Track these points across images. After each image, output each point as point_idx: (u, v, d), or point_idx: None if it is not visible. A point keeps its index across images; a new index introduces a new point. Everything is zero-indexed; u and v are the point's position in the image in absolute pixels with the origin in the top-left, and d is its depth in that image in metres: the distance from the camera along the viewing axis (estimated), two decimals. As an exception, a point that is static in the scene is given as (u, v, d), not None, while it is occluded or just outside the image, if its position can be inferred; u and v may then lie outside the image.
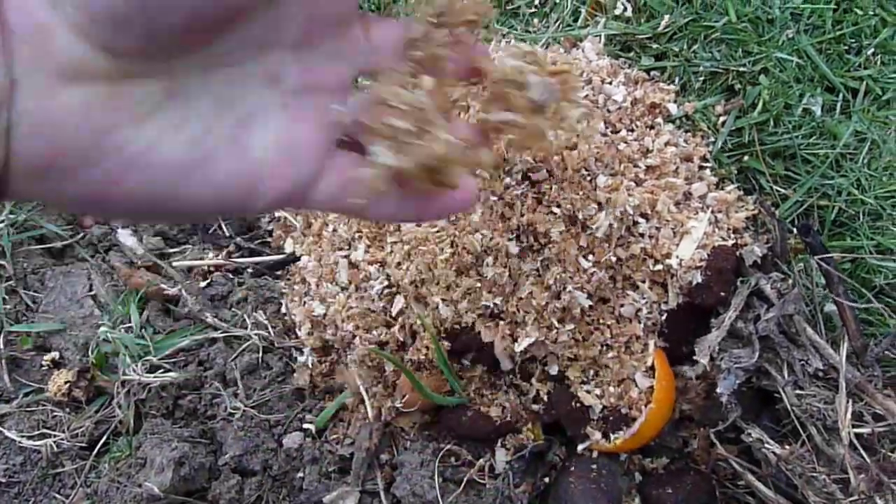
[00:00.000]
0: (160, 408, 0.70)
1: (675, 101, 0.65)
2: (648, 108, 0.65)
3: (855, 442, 0.50)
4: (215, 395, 0.69)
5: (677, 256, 0.60)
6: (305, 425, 0.68)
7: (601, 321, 0.62)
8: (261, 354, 0.71)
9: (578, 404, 0.62)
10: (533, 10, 0.80)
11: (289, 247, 0.77)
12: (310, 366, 0.69)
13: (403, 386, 0.64)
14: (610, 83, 0.66)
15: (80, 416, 0.71)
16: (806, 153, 0.65)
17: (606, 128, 0.64)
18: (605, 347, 0.62)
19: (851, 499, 0.49)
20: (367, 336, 0.65)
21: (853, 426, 0.51)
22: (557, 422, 0.64)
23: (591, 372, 0.63)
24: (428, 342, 0.62)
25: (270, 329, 0.72)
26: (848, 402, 0.52)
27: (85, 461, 0.69)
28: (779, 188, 0.65)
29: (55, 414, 0.72)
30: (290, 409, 0.69)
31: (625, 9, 0.70)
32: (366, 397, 0.64)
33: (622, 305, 0.62)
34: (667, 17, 0.68)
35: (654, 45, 0.68)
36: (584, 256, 0.60)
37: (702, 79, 0.67)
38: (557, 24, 0.76)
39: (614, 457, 0.64)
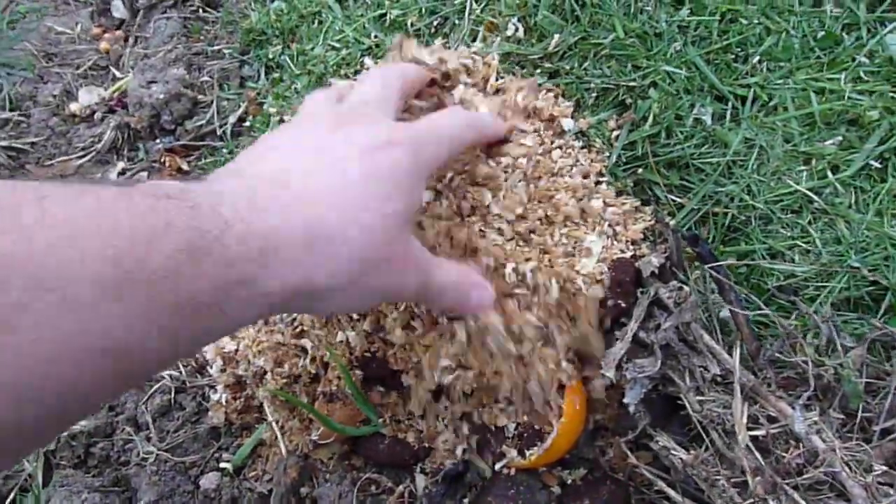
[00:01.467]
0: (71, 458, 0.68)
1: (571, 118, 0.66)
2: (547, 120, 0.66)
3: (750, 445, 0.52)
4: (128, 440, 0.68)
5: (580, 271, 0.61)
6: (223, 464, 0.67)
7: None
8: (173, 395, 0.70)
9: (493, 423, 0.62)
10: (433, 30, 0.81)
11: (199, 282, 0.76)
12: (224, 403, 0.68)
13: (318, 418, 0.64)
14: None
15: (-14, 473, 0.69)
16: (698, 162, 0.67)
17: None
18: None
19: (749, 501, 0.50)
20: (279, 370, 0.64)
21: (749, 429, 0.53)
22: (476, 442, 0.65)
23: (504, 390, 0.63)
24: (339, 372, 0.62)
25: (182, 368, 0.71)
26: (743, 405, 0.54)
27: (-7, 519, 0.67)
28: (674, 198, 0.67)
29: (-41, 472, 0.69)
30: (205, 449, 0.68)
31: (516, 29, 0.71)
32: (278, 433, 0.64)
33: (529, 323, 0.62)
34: (556, 36, 0.69)
35: (547, 64, 0.69)
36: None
37: (594, 95, 0.68)
38: (457, 44, 0.77)
39: (533, 472, 0.65)
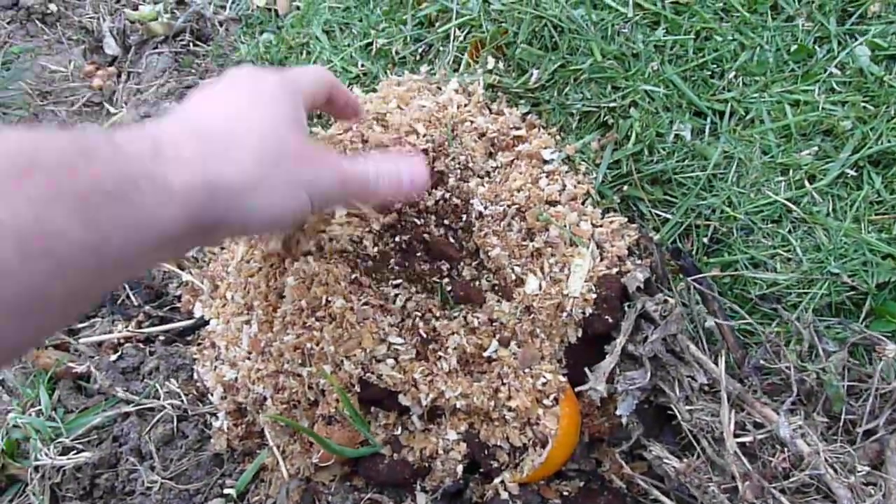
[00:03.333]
0: (77, 490, 0.69)
1: (555, 148, 0.68)
2: (530, 155, 0.69)
3: (738, 451, 0.53)
4: (132, 470, 0.69)
5: (568, 294, 0.62)
6: (226, 490, 0.68)
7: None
8: (175, 424, 0.71)
9: (490, 440, 0.64)
10: (418, 58, 0.83)
11: (198, 311, 0.77)
12: (225, 430, 0.69)
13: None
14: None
15: (-7, 508, 0.70)
16: (680, 177, 0.69)
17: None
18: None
19: (739, 506, 0.52)
20: (279, 396, 0.65)
21: (737, 435, 0.55)
22: (473, 458, 0.66)
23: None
24: (337, 396, 0.63)
25: (184, 397, 0.72)
26: (731, 412, 0.55)
27: (1, 553, 0.68)
28: (658, 212, 0.69)
29: (-33, 508, 0.70)
30: (209, 476, 0.69)
31: (497, 61, 0.73)
32: (279, 458, 0.65)
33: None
34: (536, 71, 0.71)
35: (529, 95, 0.71)
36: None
37: (577, 119, 0.70)
38: (442, 70, 0.79)
39: (531, 486, 0.66)
